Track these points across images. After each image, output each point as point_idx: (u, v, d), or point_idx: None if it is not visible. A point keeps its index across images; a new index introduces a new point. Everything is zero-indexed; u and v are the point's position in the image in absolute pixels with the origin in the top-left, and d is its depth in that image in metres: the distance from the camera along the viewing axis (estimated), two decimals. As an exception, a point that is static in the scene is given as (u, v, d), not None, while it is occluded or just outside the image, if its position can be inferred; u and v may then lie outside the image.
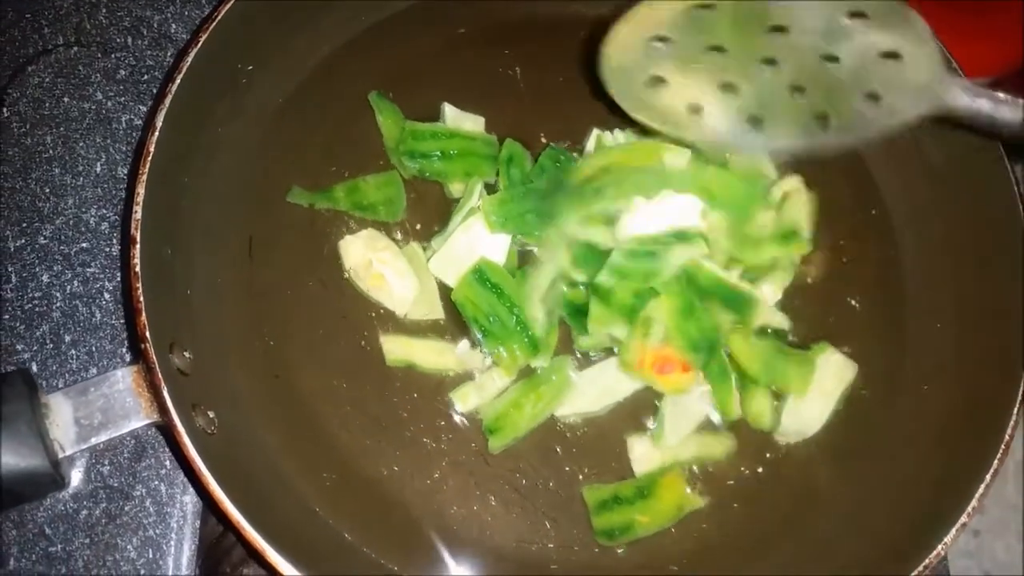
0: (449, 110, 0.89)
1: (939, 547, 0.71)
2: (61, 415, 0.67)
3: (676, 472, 0.79)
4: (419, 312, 0.83)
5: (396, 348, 0.82)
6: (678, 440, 0.80)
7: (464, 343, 0.82)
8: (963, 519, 0.72)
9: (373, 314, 0.83)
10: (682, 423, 0.81)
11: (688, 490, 0.79)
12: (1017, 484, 1.35)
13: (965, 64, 0.89)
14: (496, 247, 0.82)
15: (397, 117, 0.89)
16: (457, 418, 0.80)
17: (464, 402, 0.80)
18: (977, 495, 0.73)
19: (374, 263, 0.82)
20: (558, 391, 0.80)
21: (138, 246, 0.70)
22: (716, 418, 0.82)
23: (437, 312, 0.83)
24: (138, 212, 0.71)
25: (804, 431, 0.83)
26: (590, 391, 0.82)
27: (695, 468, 0.80)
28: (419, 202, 0.87)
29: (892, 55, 0.70)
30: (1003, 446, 0.74)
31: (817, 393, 0.82)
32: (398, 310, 0.83)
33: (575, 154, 0.88)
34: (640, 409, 0.82)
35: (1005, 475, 1.39)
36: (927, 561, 0.71)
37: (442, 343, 0.82)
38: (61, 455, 0.67)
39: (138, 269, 0.69)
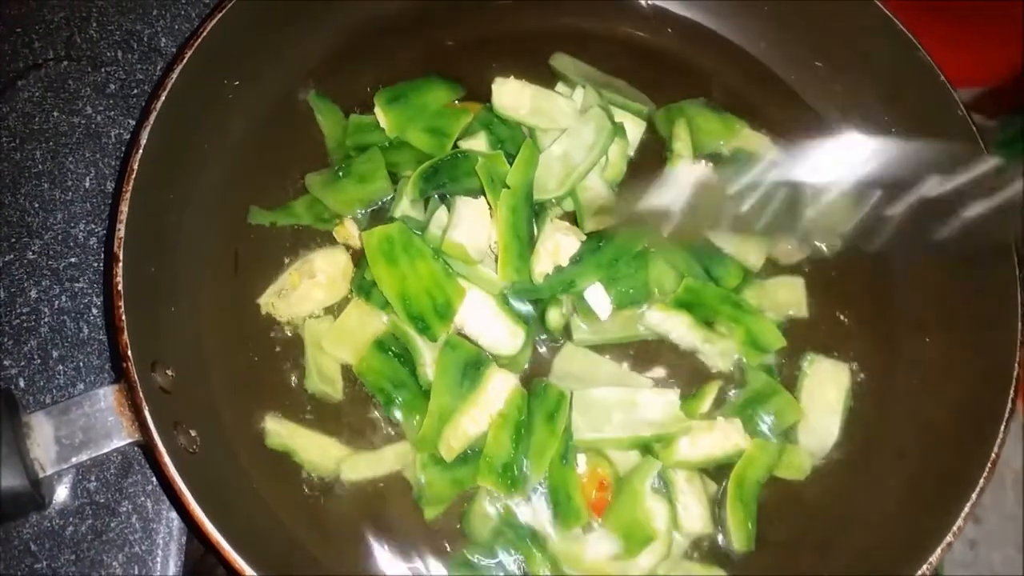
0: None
1: (924, 567, 0.71)
2: (42, 435, 0.68)
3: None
4: (319, 387, 0.79)
5: (279, 431, 0.77)
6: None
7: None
8: (949, 538, 0.71)
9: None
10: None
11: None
12: (1016, 494, 1.33)
13: (962, 73, 0.88)
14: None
15: (337, 116, 0.89)
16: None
17: (354, 471, 0.76)
18: (963, 513, 0.72)
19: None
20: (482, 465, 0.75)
21: (120, 264, 0.70)
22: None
23: (337, 391, 0.79)
24: (121, 230, 0.71)
25: (824, 445, 0.82)
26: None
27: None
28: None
29: None
30: (989, 464, 0.74)
31: (822, 406, 0.83)
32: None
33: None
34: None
35: (1004, 485, 1.37)
36: (913, 580, 0.70)
37: (328, 440, 0.77)
38: (41, 475, 0.67)
39: (120, 288, 0.69)
